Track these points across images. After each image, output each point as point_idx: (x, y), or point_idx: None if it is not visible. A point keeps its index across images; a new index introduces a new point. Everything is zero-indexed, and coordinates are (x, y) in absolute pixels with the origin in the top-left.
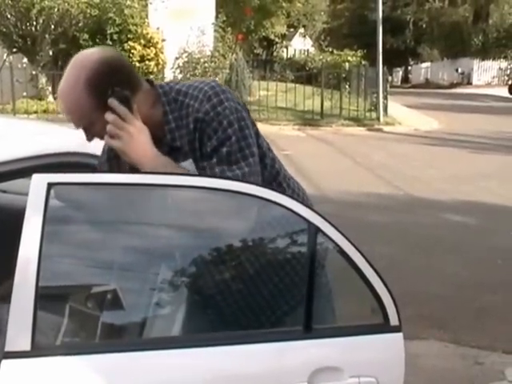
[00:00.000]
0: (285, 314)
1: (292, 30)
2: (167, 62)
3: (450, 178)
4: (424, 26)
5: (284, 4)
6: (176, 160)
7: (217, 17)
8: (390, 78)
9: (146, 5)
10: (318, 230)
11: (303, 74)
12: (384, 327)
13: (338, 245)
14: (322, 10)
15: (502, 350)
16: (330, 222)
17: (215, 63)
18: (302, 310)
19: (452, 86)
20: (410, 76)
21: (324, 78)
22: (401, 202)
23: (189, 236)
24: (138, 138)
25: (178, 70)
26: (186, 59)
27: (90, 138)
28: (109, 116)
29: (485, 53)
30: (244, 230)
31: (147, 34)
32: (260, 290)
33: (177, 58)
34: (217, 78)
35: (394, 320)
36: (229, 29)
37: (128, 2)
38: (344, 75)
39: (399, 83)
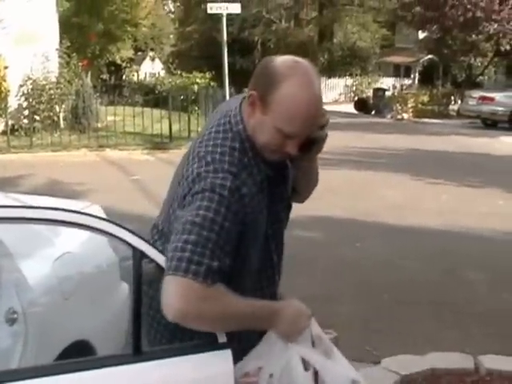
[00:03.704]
0: (114, 340)
1: (140, 53)
2: (11, 90)
3: None
4: (272, 46)
5: (129, 28)
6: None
7: (61, 42)
8: None
9: None
10: (142, 254)
11: (151, 97)
12: (212, 345)
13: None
14: (170, 33)
15: (348, 358)
16: (154, 246)
17: (61, 89)
18: (131, 335)
19: None
20: None
21: (172, 101)
22: None
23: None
24: None
25: (23, 98)
26: (30, 86)
27: (295, 150)
28: (324, 109)
29: (331, 71)
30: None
31: None
32: (87, 317)
33: (21, 86)
34: (63, 105)
35: (221, 337)
36: (74, 54)
37: None
38: (193, 97)
39: None
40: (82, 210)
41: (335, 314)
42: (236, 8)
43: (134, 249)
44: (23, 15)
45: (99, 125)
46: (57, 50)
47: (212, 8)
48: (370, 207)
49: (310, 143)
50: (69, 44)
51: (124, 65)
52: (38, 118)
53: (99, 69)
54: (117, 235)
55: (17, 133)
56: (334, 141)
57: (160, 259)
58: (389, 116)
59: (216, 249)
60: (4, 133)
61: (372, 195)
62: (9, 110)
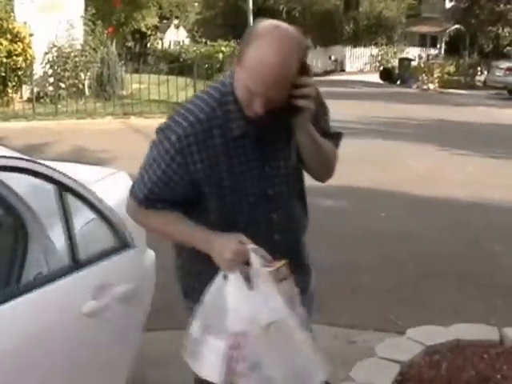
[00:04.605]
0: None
1: (165, 21)
2: (36, 57)
3: None
4: (297, 15)
5: None
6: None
7: (86, 10)
8: None
9: None
10: (62, 185)
11: (176, 65)
12: (126, 246)
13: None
14: (194, 1)
15: (372, 327)
16: (72, 179)
17: (86, 57)
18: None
19: (326, 73)
20: None
21: (197, 69)
22: None
23: None
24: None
25: (48, 65)
26: (55, 54)
27: (264, 109)
28: (309, 80)
29: (356, 40)
30: None
31: (14, 28)
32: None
33: (46, 53)
34: (88, 73)
35: (130, 239)
36: (99, 22)
37: None
38: (218, 66)
39: None
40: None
41: (359, 283)
42: None
43: (56, 182)
44: None
45: (124, 92)
46: (82, 17)
47: None
48: (395, 177)
49: (294, 110)
50: (94, 11)
51: (149, 33)
52: (63, 85)
53: (124, 36)
54: (39, 171)
55: (42, 100)
56: (359, 110)
57: (79, 189)
58: (414, 86)
59: (154, 187)
60: (29, 100)
61: (397, 165)
62: (34, 78)
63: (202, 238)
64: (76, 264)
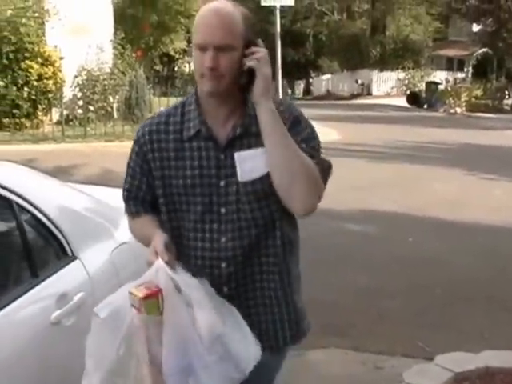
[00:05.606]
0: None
1: None
2: (66, 81)
3: (349, 188)
4: (324, 38)
5: (183, 20)
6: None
7: (115, 34)
8: (290, 91)
9: (43, 23)
10: (16, 203)
11: None
12: (70, 257)
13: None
14: None
15: (400, 353)
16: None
17: (115, 80)
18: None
19: (353, 96)
20: (311, 88)
21: None
22: None
23: None
24: (270, 75)
25: (78, 88)
26: (85, 77)
27: (215, 63)
28: (257, 48)
29: (383, 64)
30: None
31: (44, 52)
32: None
33: (76, 76)
34: (117, 96)
35: (69, 251)
36: (128, 46)
37: (24, 21)
38: None
39: (301, 95)
40: None
41: (387, 308)
42: (289, 0)
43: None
44: (78, 7)
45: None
46: (111, 41)
47: (266, 0)
48: (422, 201)
49: (248, 84)
50: (123, 35)
51: (177, 56)
52: (91, 108)
53: (152, 60)
54: None
55: (71, 123)
56: (386, 134)
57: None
58: (441, 110)
59: (126, 184)
60: (59, 123)
61: (424, 189)
62: (64, 100)
63: (147, 240)
64: (34, 278)
